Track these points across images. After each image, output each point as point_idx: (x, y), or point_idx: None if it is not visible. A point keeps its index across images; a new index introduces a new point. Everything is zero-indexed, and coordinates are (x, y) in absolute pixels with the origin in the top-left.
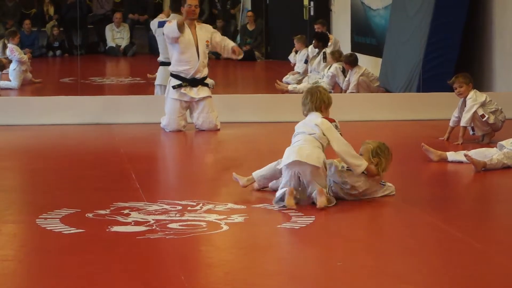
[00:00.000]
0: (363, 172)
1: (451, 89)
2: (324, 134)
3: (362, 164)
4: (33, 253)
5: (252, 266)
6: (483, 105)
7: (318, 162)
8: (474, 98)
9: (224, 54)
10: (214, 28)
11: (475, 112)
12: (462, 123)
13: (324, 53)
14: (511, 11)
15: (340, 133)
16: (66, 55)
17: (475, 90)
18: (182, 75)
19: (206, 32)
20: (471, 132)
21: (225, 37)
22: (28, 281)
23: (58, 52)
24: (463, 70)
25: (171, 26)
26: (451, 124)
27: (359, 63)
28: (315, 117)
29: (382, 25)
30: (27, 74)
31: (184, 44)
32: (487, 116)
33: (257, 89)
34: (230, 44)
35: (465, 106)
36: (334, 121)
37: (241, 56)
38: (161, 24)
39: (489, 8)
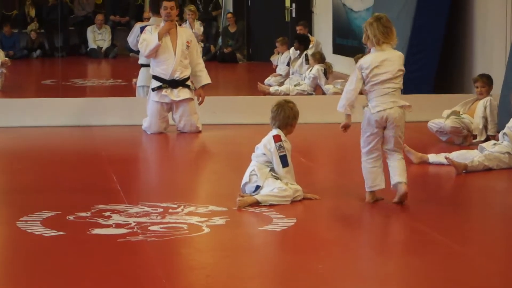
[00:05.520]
0: None
1: (431, 91)
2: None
3: (296, 186)
4: (14, 256)
5: (233, 269)
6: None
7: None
8: (495, 106)
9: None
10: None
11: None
12: (494, 133)
13: (306, 55)
14: (492, 15)
15: (283, 154)
16: (47, 57)
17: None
18: (162, 76)
19: (187, 34)
20: (443, 138)
21: (202, 61)
22: (9, 284)
23: (38, 52)
24: (444, 73)
25: (149, 44)
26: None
27: (340, 65)
28: (268, 137)
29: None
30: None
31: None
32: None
33: (239, 91)
34: (203, 81)
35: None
36: (280, 140)
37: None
38: (142, 29)
39: (471, 11)
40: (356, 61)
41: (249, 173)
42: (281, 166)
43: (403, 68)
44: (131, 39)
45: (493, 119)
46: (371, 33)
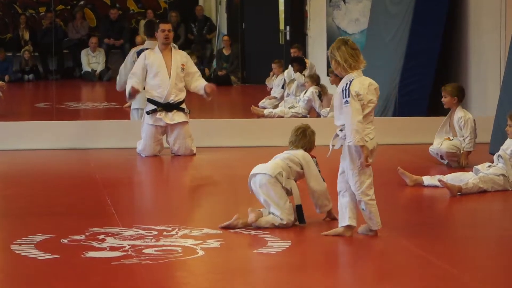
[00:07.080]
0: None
1: (425, 114)
2: (301, 168)
3: (329, 205)
4: (8, 279)
5: None
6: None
7: (272, 172)
8: (472, 122)
9: (190, 88)
10: (190, 52)
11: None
12: (469, 148)
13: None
14: (486, 37)
15: (319, 170)
16: (41, 80)
17: (462, 108)
18: (156, 99)
19: (182, 57)
20: (444, 162)
21: (200, 74)
22: None
23: (31, 76)
24: (438, 96)
25: (125, 82)
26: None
27: (335, 88)
28: (301, 152)
29: None
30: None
31: (154, 68)
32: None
33: (233, 113)
34: (203, 83)
35: (447, 126)
36: (315, 157)
37: (210, 98)
38: (139, 54)
39: (465, 33)
40: (329, 73)
41: (276, 169)
42: (321, 180)
43: None
44: (123, 72)
45: (469, 134)
46: (340, 58)
